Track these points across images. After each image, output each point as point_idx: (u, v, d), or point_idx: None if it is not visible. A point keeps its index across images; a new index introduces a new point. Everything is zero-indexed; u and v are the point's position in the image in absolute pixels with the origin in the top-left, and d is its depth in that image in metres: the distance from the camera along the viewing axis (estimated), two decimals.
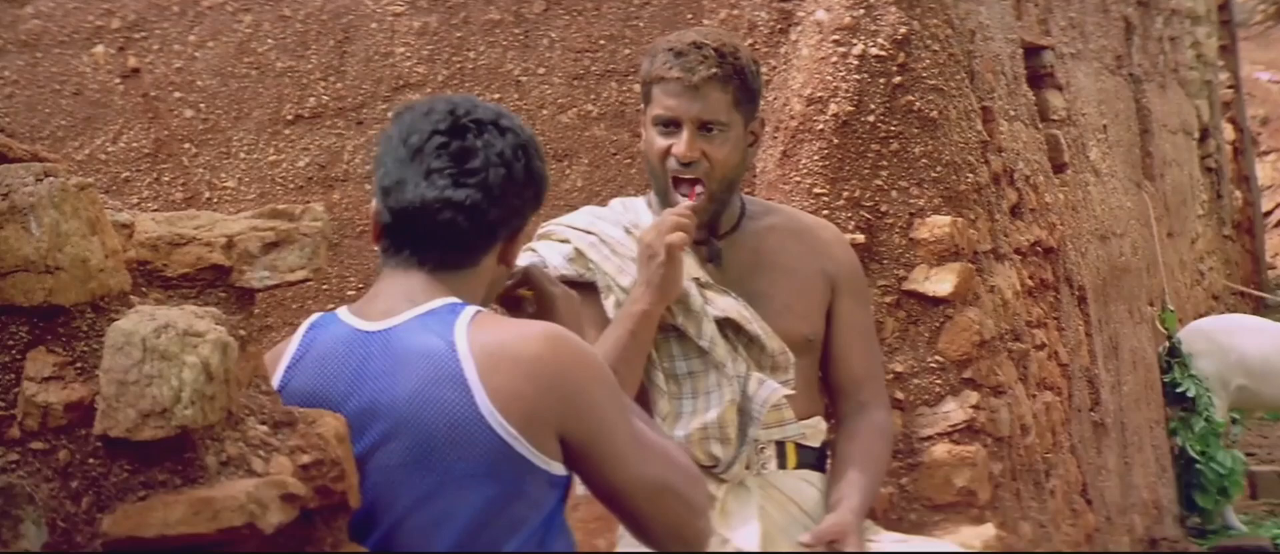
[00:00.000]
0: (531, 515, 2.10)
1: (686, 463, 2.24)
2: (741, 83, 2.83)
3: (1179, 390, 6.53)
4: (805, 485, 2.90)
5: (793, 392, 2.86)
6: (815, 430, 2.94)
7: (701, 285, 2.86)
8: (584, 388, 2.12)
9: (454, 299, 2.16)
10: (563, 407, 2.09)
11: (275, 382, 2.14)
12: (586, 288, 2.86)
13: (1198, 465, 6.47)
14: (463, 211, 2.16)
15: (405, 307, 2.15)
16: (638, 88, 4.08)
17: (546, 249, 2.91)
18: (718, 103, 2.81)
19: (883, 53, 3.56)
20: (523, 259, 2.92)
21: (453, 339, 2.09)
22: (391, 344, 2.12)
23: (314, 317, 2.25)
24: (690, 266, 2.84)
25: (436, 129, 2.19)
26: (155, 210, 4.27)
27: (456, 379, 2.06)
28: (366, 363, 2.12)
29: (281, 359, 2.19)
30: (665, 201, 2.89)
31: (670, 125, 2.83)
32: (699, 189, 2.82)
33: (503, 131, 2.21)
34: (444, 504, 2.06)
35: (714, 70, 2.79)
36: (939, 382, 3.51)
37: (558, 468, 2.11)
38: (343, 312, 2.22)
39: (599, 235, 2.91)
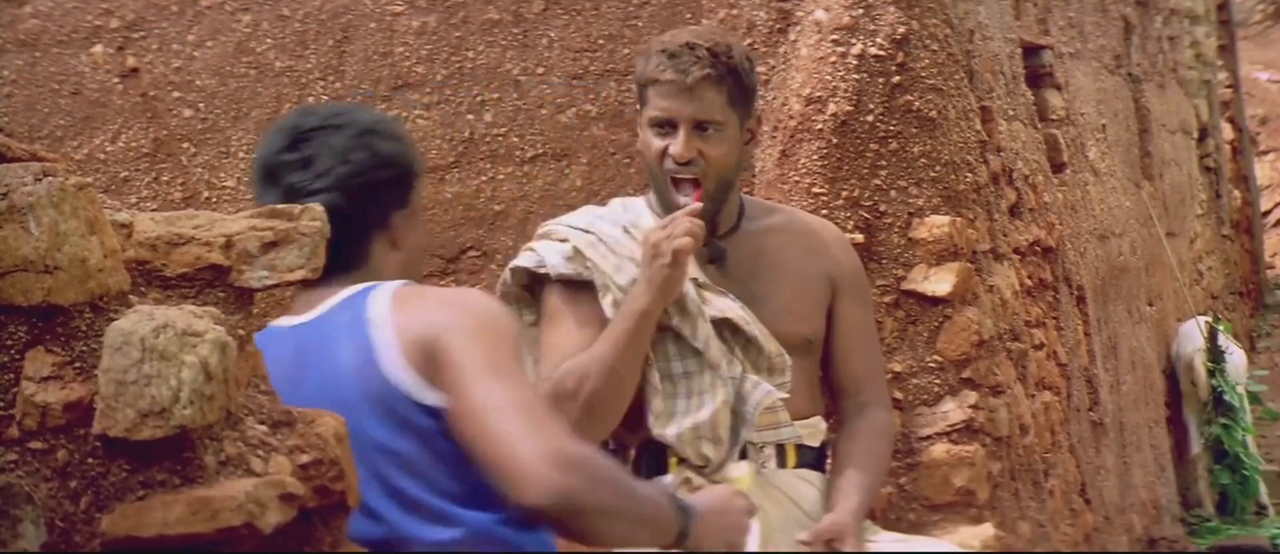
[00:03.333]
0: (418, 451, 2.10)
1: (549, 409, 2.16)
2: (736, 81, 2.82)
3: (1225, 398, 6.71)
4: (804, 485, 2.90)
5: (787, 394, 2.86)
6: (814, 431, 2.94)
7: (699, 286, 2.86)
8: (465, 320, 2.11)
9: (369, 282, 2.24)
10: (440, 319, 2.10)
11: None
12: (585, 287, 2.86)
13: (1246, 470, 6.69)
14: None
15: (326, 298, 2.24)
16: (635, 87, 4.09)
17: (545, 249, 2.91)
18: (713, 103, 2.81)
19: (881, 52, 3.56)
20: (523, 259, 2.93)
21: (365, 305, 2.17)
22: (319, 330, 2.21)
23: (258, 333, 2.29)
24: (689, 267, 2.84)
25: (278, 149, 2.30)
26: (154, 210, 4.27)
27: (364, 342, 2.13)
28: (302, 353, 2.19)
29: None
30: (664, 201, 2.89)
31: (666, 126, 2.83)
32: (700, 194, 2.82)
33: (339, 128, 2.29)
34: (366, 469, 2.04)
35: (708, 71, 2.79)
36: (938, 381, 3.51)
37: (431, 397, 2.09)
38: (277, 321, 2.31)
39: (597, 234, 2.91)
